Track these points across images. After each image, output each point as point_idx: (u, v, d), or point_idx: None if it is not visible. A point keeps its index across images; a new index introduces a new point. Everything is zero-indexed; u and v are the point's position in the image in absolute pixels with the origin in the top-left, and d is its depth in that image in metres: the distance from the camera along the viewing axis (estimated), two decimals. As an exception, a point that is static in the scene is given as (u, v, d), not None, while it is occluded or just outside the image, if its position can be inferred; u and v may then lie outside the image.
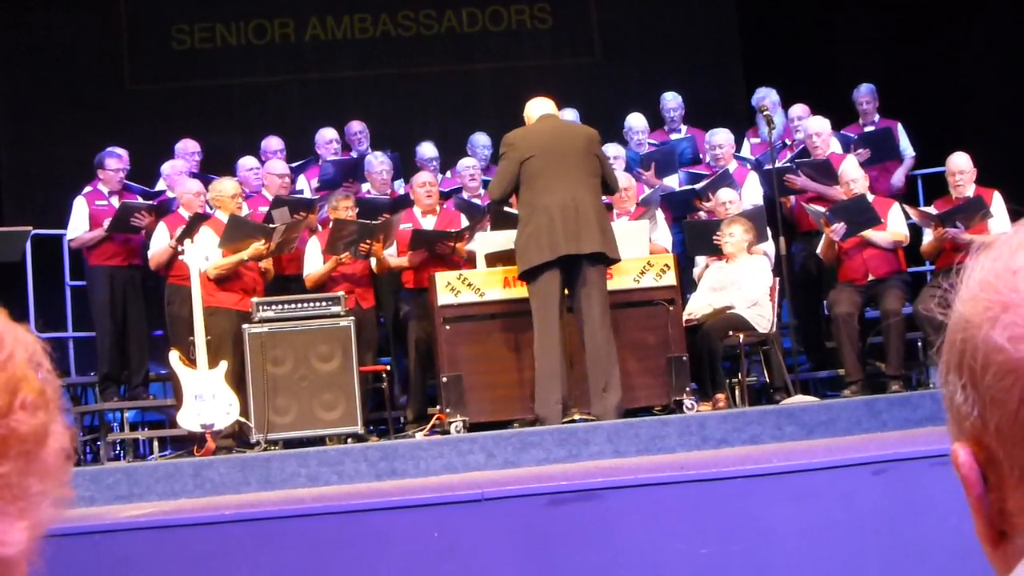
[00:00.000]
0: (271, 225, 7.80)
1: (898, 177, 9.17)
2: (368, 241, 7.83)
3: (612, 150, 8.52)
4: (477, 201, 8.80)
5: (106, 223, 8.35)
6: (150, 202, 8.54)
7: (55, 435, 0.92)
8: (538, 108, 7.13)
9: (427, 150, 9.47)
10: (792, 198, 8.73)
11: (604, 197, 7.92)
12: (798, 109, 9.19)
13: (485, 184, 8.84)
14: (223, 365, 7.21)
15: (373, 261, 8.08)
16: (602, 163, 7.01)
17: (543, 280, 6.75)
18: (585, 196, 6.77)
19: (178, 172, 8.82)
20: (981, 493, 0.87)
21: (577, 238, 6.67)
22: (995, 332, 0.83)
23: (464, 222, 8.28)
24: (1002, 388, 0.82)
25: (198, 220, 7.87)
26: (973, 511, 0.88)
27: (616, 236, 6.94)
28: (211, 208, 8.03)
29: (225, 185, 7.94)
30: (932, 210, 7.98)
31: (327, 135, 9.52)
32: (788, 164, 8.60)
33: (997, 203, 7.70)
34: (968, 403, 0.85)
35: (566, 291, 6.84)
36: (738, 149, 9.27)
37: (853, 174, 8.13)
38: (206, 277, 7.50)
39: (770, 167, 8.33)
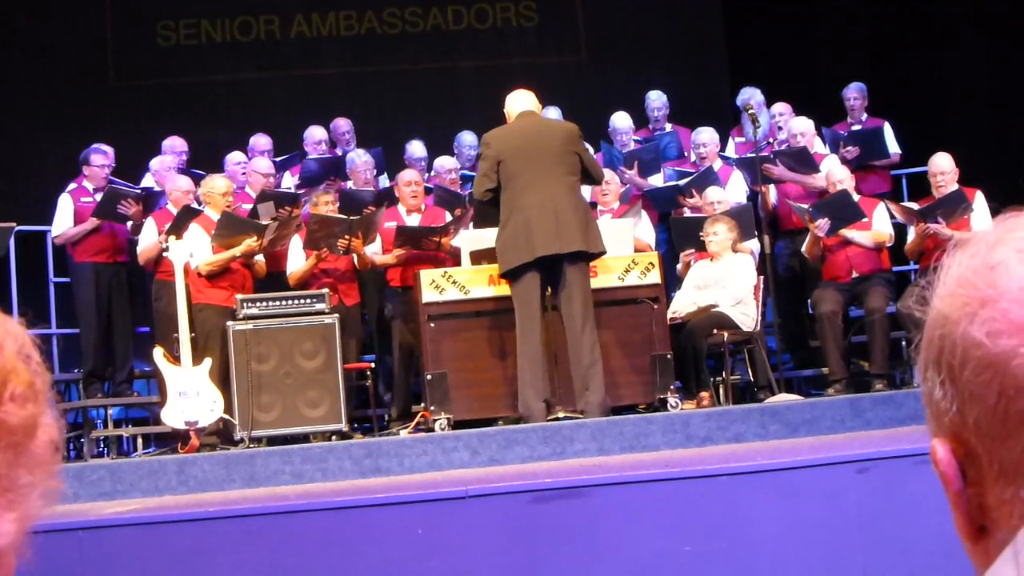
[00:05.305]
0: (263, 222, 7.78)
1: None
2: (347, 236, 7.81)
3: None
4: (457, 190, 8.79)
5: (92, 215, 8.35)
6: (137, 191, 8.51)
7: (44, 427, 0.92)
8: (517, 104, 7.04)
9: (416, 149, 9.44)
10: (772, 192, 8.75)
11: (588, 193, 7.88)
12: (780, 107, 9.21)
13: (465, 180, 8.84)
14: (207, 362, 7.20)
15: (355, 257, 8.05)
16: (582, 157, 6.91)
17: (523, 281, 6.74)
18: (563, 195, 6.72)
19: (167, 168, 8.80)
20: (960, 489, 0.87)
21: (557, 238, 6.64)
22: (973, 327, 0.83)
23: (448, 218, 8.27)
24: (981, 383, 0.83)
25: (185, 215, 7.84)
26: (952, 507, 0.88)
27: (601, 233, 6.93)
28: (199, 204, 8.01)
29: (217, 182, 7.91)
30: (914, 205, 8.01)
31: (316, 135, 9.48)
32: (766, 154, 8.62)
33: (979, 202, 7.72)
34: (947, 399, 0.86)
35: (549, 290, 6.84)
36: (723, 148, 9.29)
37: (839, 174, 8.16)
38: (195, 274, 7.49)
39: (752, 156, 8.36)
